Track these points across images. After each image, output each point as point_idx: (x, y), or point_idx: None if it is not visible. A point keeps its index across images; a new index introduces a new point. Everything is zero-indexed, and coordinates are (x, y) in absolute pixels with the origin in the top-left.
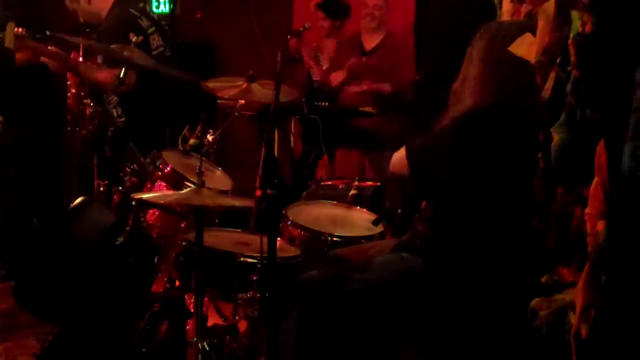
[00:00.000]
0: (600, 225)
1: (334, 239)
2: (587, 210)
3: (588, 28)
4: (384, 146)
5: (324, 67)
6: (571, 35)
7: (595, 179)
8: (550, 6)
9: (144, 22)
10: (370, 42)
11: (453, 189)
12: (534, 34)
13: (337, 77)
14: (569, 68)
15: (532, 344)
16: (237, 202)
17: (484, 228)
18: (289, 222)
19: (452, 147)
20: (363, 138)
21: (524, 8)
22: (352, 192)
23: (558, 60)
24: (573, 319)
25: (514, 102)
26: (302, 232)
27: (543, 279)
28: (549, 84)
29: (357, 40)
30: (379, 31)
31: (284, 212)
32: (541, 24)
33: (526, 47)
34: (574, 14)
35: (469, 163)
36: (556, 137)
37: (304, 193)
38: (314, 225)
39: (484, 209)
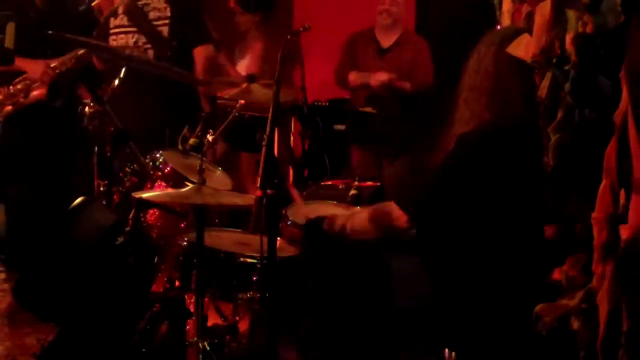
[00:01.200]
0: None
1: None
2: (594, 214)
3: (589, 28)
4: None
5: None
6: (569, 35)
7: (604, 182)
8: (546, 6)
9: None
10: (387, 40)
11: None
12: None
13: (353, 79)
14: (566, 67)
15: (534, 347)
16: (239, 200)
17: (488, 235)
18: (289, 222)
19: (456, 187)
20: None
21: (525, 8)
22: (352, 192)
23: (554, 60)
24: (576, 324)
25: (515, 117)
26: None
27: (548, 279)
28: (545, 83)
29: (371, 35)
30: (395, 29)
31: (284, 212)
32: (537, 23)
33: (523, 48)
34: (570, 14)
35: (476, 192)
36: (553, 137)
37: (304, 193)
38: None
39: (490, 218)
